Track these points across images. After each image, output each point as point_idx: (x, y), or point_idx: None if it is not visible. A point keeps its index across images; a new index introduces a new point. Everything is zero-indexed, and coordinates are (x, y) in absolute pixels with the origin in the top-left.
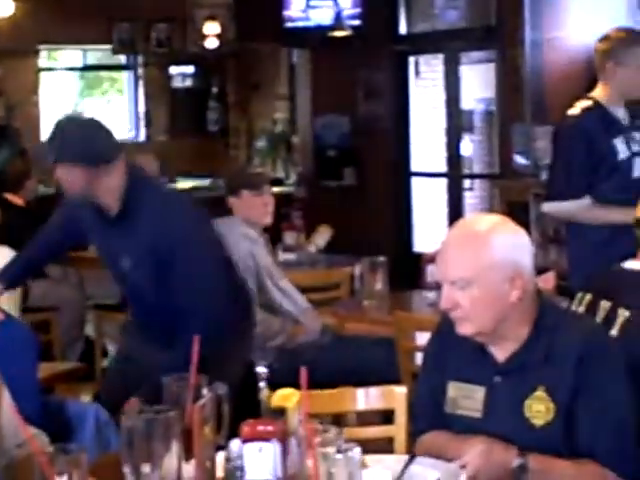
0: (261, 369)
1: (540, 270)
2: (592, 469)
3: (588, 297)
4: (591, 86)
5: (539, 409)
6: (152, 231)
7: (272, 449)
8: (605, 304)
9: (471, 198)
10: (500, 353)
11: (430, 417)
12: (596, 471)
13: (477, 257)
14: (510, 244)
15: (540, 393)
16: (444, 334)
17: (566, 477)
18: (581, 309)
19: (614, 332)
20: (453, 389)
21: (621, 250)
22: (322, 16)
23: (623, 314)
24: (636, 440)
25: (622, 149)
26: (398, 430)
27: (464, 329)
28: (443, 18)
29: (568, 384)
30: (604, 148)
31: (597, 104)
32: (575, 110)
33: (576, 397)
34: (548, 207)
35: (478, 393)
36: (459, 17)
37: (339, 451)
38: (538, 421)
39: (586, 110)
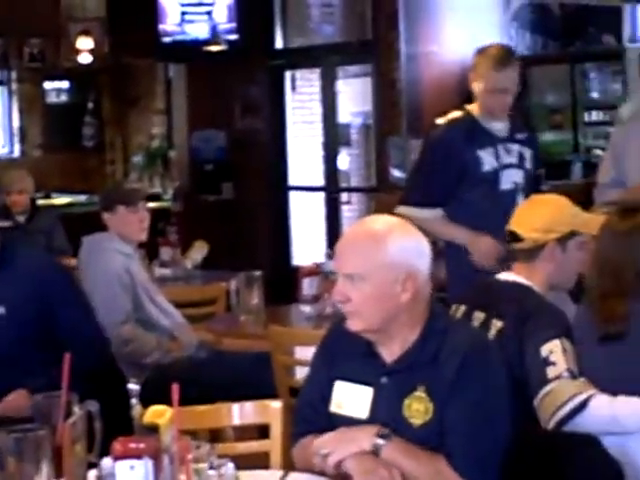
0: (133, 386)
1: None
2: (438, 467)
3: (462, 308)
4: (466, 99)
5: (418, 409)
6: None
7: (144, 466)
8: (479, 315)
9: (349, 212)
10: (388, 354)
11: (315, 418)
12: (442, 471)
13: (372, 254)
14: (406, 247)
15: (420, 393)
16: (335, 336)
17: (415, 469)
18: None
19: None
20: (340, 389)
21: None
22: (198, 30)
23: (496, 324)
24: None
25: (488, 161)
26: (273, 445)
27: (353, 325)
28: (319, 32)
29: (447, 386)
30: (468, 159)
31: (468, 115)
32: (442, 120)
33: (451, 400)
34: (401, 210)
35: (366, 394)
36: (335, 31)
37: (212, 467)
38: (416, 420)
39: (453, 120)
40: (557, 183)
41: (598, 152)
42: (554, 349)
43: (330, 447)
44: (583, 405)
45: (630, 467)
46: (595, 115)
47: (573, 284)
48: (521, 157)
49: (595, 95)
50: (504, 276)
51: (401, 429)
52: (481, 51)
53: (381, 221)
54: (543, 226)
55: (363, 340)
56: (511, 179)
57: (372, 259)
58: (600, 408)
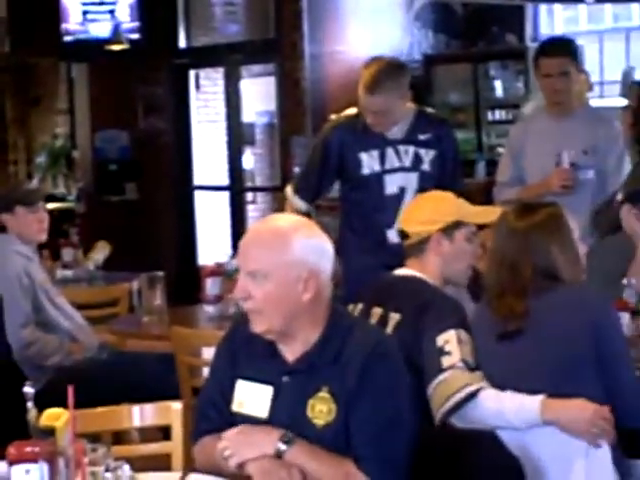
0: (28, 389)
1: None
2: (346, 470)
3: (360, 306)
4: None
5: (321, 409)
6: None
7: (39, 470)
8: (377, 310)
9: (254, 211)
10: (290, 353)
11: (216, 416)
12: (350, 473)
13: (275, 252)
14: (310, 245)
15: (323, 394)
16: (236, 334)
17: (321, 472)
18: None
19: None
20: (241, 388)
21: (385, 259)
22: (100, 29)
23: (394, 317)
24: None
25: (369, 164)
26: (175, 446)
27: (256, 326)
28: (223, 31)
29: (351, 387)
30: (348, 160)
31: (358, 115)
32: (334, 117)
33: (355, 401)
34: (288, 191)
35: (266, 393)
36: (239, 30)
37: (108, 469)
38: (319, 421)
39: (343, 119)
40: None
41: (501, 151)
42: (449, 339)
43: (233, 449)
44: (472, 396)
45: (529, 462)
46: (498, 114)
47: (467, 277)
48: (417, 159)
49: (498, 94)
50: (399, 272)
51: (304, 430)
52: (366, 65)
53: (285, 219)
54: (426, 219)
55: (265, 339)
56: (397, 183)
57: (275, 256)
58: (488, 401)
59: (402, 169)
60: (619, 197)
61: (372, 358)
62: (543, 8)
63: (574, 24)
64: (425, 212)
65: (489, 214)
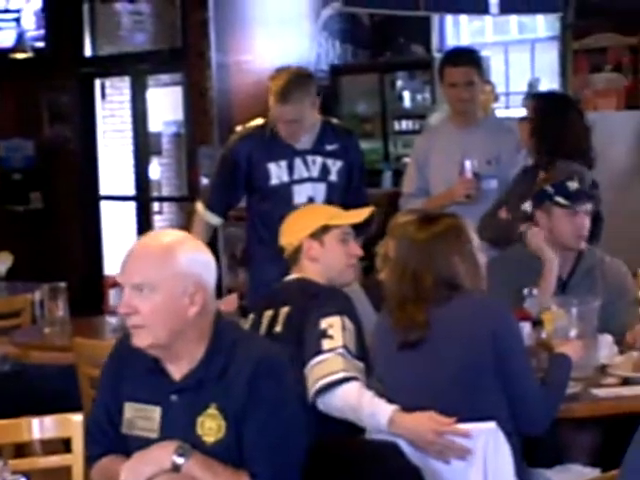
0: None
1: (229, 291)
2: None
3: (252, 316)
4: None
5: (211, 426)
6: None
7: None
8: (268, 313)
9: (160, 221)
10: (176, 371)
11: (106, 440)
12: None
13: (161, 264)
14: (196, 259)
15: (212, 411)
16: (120, 354)
17: None
18: (246, 327)
19: (278, 329)
20: (129, 410)
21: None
22: (4, 38)
23: (283, 311)
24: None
25: (277, 174)
26: (75, 459)
27: (139, 340)
28: (130, 40)
29: (239, 402)
30: (256, 171)
31: (265, 125)
32: (237, 131)
33: (245, 415)
34: (198, 206)
35: (154, 413)
36: (146, 39)
37: None
38: (209, 438)
39: (250, 130)
40: (368, 191)
41: (407, 160)
42: (334, 324)
43: (130, 471)
44: (340, 382)
45: (429, 472)
46: (405, 124)
47: (352, 275)
48: (324, 170)
49: (405, 104)
50: (287, 278)
51: (195, 448)
52: (272, 76)
53: (171, 234)
54: (297, 229)
55: (150, 357)
56: (306, 193)
57: (162, 269)
58: (350, 394)
59: (310, 179)
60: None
61: (258, 372)
62: (449, 19)
63: (480, 35)
64: (295, 223)
65: (359, 214)
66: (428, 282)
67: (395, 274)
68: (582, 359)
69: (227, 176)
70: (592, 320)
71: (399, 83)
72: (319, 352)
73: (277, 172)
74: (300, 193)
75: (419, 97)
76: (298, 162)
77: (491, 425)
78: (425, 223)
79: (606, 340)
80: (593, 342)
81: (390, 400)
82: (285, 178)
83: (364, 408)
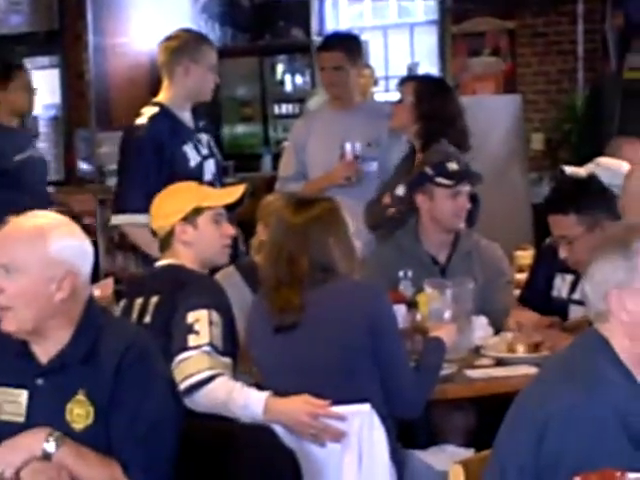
0: None
1: (106, 275)
2: (112, 474)
3: (123, 302)
4: (155, 91)
5: (79, 413)
6: None
7: None
8: (138, 301)
9: None
10: (43, 355)
11: None
12: (115, 477)
13: (32, 246)
14: (70, 246)
15: (80, 397)
16: None
17: (88, 474)
18: (117, 313)
19: (148, 319)
20: None
21: None
22: None
23: (153, 300)
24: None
25: (193, 155)
26: None
27: (6, 325)
28: (6, 22)
29: (107, 389)
30: (176, 156)
31: (164, 109)
32: (142, 119)
33: (113, 403)
34: (119, 220)
35: (20, 397)
36: (22, 21)
37: None
38: (78, 425)
39: (153, 118)
40: (247, 175)
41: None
42: (200, 318)
43: (1, 462)
44: (207, 381)
45: (305, 456)
46: (285, 108)
47: (227, 255)
48: (210, 146)
49: (285, 88)
50: (159, 263)
51: (64, 434)
52: (181, 33)
53: (48, 216)
54: (168, 212)
55: (19, 340)
56: (210, 170)
57: (32, 251)
58: (218, 390)
59: (208, 156)
60: (399, 192)
61: (127, 359)
62: (328, 3)
63: (359, 19)
64: (166, 206)
65: (231, 193)
66: (303, 265)
67: (270, 257)
68: (456, 341)
69: (151, 161)
70: (466, 302)
71: (279, 67)
72: (185, 348)
73: (191, 154)
74: (207, 170)
75: (299, 81)
76: (197, 139)
77: (365, 407)
78: (301, 207)
79: (480, 322)
80: (467, 324)
81: (266, 383)
82: (197, 158)
83: (236, 401)
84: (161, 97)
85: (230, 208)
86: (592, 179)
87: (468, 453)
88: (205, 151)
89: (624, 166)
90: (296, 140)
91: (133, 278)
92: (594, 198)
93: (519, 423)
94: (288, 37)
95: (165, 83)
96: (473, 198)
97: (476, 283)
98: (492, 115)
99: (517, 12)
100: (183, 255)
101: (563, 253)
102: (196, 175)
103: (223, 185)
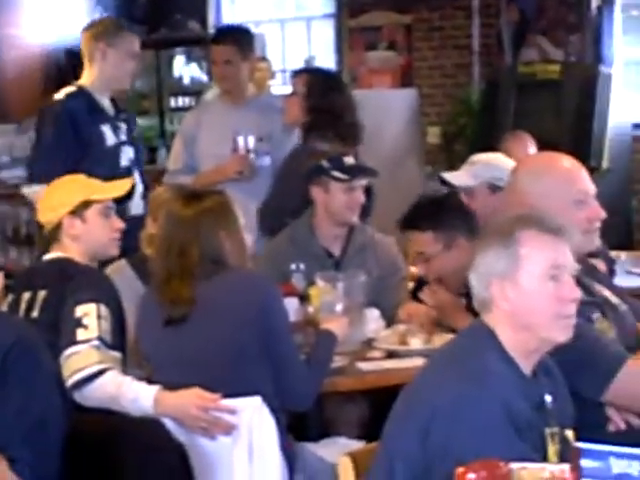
0: None
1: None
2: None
3: (10, 297)
4: (48, 83)
5: None
6: None
7: None
8: (26, 295)
9: None
10: None
11: None
12: (2, 474)
13: None
14: None
15: None
16: None
17: None
18: (4, 309)
19: (35, 314)
20: None
21: None
22: None
23: (41, 294)
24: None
25: (109, 136)
26: None
27: None
28: None
29: None
30: (92, 134)
31: (82, 90)
32: (60, 95)
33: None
34: (27, 190)
35: None
36: None
37: None
38: None
39: (70, 95)
40: (144, 168)
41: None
42: (89, 312)
43: None
44: (96, 376)
45: (194, 448)
46: (181, 101)
47: (115, 248)
48: (129, 134)
49: (181, 81)
50: (47, 256)
51: None
52: (103, 19)
53: None
54: (55, 204)
55: None
56: (127, 156)
57: None
58: (107, 385)
59: (126, 142)
60: None
61: (12, 355)
62: None
63: (256, 12)
64: (53, 198)
65: (120, 186)
66: (194, 258)
67: (161, 250)
68: (347, 334)
69: (65, 133)
70: (358, 295)
71: (176, 60)
72: (74, 342)
73: (109, 134)
74: (124, 155)
75: (196, 74)
76: (117, 125)
77: (256, 400)
78: (191, 199)
79: (373, 314)
80: (359, 317)
81: (156, 377)
82: (115, 140)
83: (126, 395)
84: (81, 80)
85: (119, 201)
86: (451, 197)
87: (360, 445)
88: (124, 137)
89: (503, 160)
90: (185, 133)
91: (21, 272)
92: (452, 216)
93: (407, 414)
94: (185, 30)
95: (86, 68)
96: (368, 191)
97: (370, 277)
98: (388, 109)
99: (413, 6)
100: (71, 249)
101: (420, 270)
102: (112, 157)
103: (142, 174)
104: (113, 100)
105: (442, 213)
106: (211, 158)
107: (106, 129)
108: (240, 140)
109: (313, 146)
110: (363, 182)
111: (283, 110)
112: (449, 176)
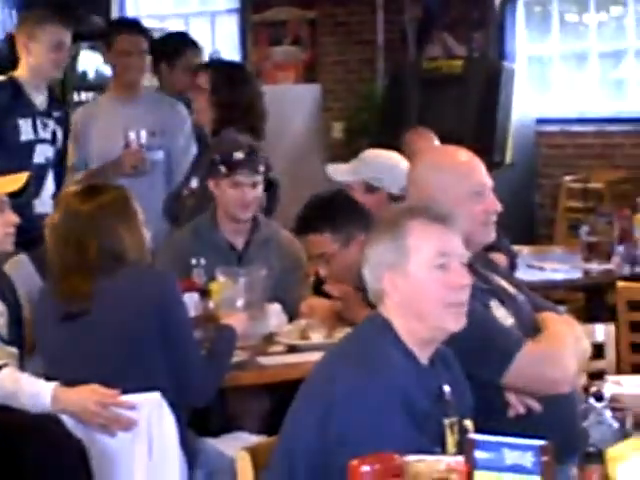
0: None
1: None
2: None
3: None
4: None
5: None
6: None
7: None
8: None
9: None
10: None
11: None
12: None
13: None
14: None
15: None
16: None
17: None
18: None
19: None
20: None
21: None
22: None
23: None
24: None
25: (25, 131)
26: None
27: None
28: None
29: None
30: (7, 126)
31: (12, 80)
32: None
33: None
34: None
35: None
36: None
37: None
38: None
39: None
40: None
41: None
42: None
43: None
44: None
45: (94, 445)
46: (85, 95)
47: (9, 246)
48: (54, 134)
49: (85, 75)
50: None
51: None
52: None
53: None
54: None
55: None
56: (44, 154)
57: None
58: (5, 381)
59: (46, 141)
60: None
61: None
62: None
63: (160, 7)
64: None
65: (15, 180)
66: (92, 252)
67: (59, 244)
68: (248, 329)
69: None
70: (259, 290)
71: (80, 54)
72: None
73: (25, 128)
74: (40, 153)
75: (100, 68)
76: (39, 121)
77: (155, 396)
78: (90, 194)
79: (275, 309)
80: (260, 311)
81: (54, 373)
82: (31, 136)
83: (23, 391)
84: (16, 71)
85: (14, 195)
86: (341, 195)
87: (262, 439)
88: (45, 135)
89: (392, 160)
90: (76, 129)
91: None
92: (345, 213)
93: (305, 407)
94: (88, 24)
95: (20, 59)
96: (271, 187)
97: (272, 271)
98: (292, 104)
99: (318, 1)
100: None
101: (322, 271)
102: (24, 152)
103: (56, 173)
104: (52, 96)
105: (335, 212)
106: (104, 153)
107: (24, 123)
108: (132, 135)
109: (231, 136)
110: (255, 178)
111: (180, 105)
112: (332, 169)
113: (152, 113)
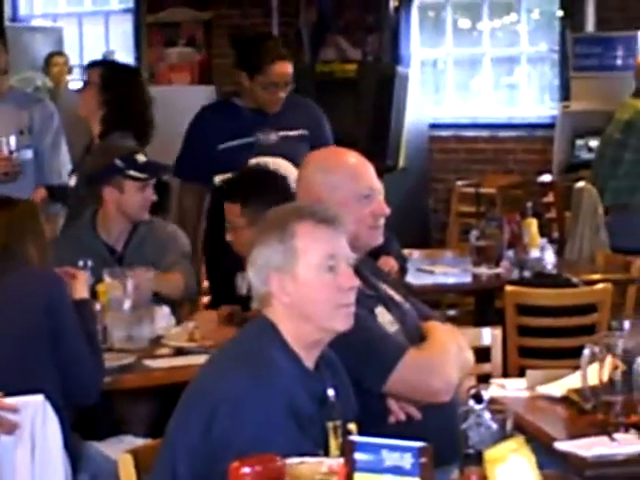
0: None
1: None
2: None
3: None
4: None
5: None
6: None
7: None
8: None
9: None
10: None
11: None
12: None
13: None
14: None
15: None
16: None
17: None
18: None
19: None
20: None
21: None
22: None
23: None
24: None
25: None
26: None
27: None
28: None
29: None
30: None
31: None
32: None
33: None
34: None
35: None
36: None
37: None
38: None
39: None
40: None
41: None
42: None
43: None
44: None
45: None
46: None
47: None
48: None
49: None
50: None
51: None
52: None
53: None
54: None
55: None
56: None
57: None
58: None
59: None
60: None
61: None
62: None
63: (53, 6)
64: None
65: None
66: None
67: None
68: (135, 331)
69: None
70: (146, 291)
71: None
72: None
73: None
74: None
75: None
76: None
77: (39, 398)
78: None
79: (163, 312)
80: (148, 313)
81: None
82: None
83: None
84: None
85: None
86: (269, 175)
87: (148, 442)
88: None
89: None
90: None
91: None
92: (264, 193)
93: (189, 409)
94: None
95: None
96: (164, 188)
97: (154, 267)
98: (186, 106)
99: (212, 3)
100: None
101: (228, 237)
102: None
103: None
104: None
105: (252, 188)
106: None
107: None
108: (2, 142)
109: (109, 144)
110: (153, 180)
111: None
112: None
113: (20, 112)
